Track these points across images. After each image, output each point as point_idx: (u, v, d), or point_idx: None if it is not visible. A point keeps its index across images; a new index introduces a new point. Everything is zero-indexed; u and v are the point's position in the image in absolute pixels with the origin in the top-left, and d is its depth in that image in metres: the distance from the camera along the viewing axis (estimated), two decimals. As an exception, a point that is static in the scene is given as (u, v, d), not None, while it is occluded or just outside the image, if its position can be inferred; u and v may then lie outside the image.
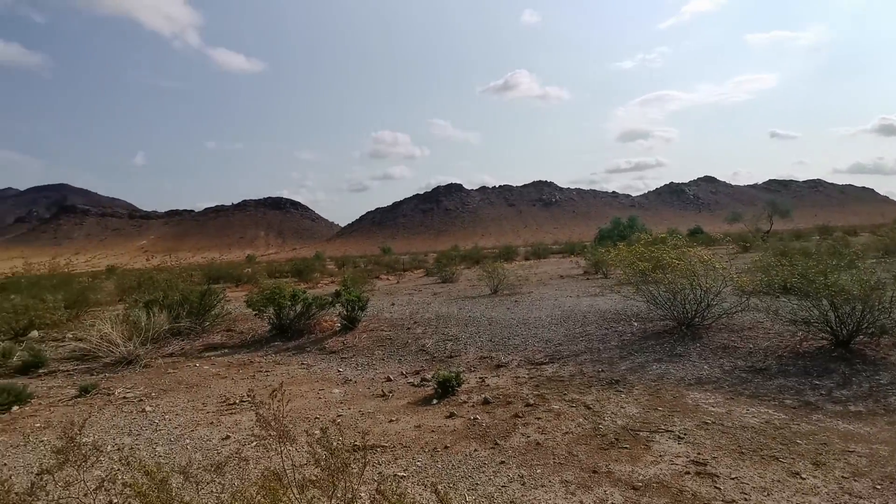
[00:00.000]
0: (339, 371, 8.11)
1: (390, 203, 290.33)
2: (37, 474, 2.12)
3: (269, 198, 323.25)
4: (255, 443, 4.90)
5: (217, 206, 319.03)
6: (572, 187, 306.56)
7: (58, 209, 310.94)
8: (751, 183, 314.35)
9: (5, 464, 4.64)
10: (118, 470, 3.92)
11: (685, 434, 4.73)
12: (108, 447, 4.94)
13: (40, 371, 8.68)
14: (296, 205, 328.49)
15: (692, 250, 8.91)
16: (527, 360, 7.89)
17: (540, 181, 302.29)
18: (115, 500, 2.26)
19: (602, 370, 7.02)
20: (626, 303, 10.50)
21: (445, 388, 6.30)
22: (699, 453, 4.32)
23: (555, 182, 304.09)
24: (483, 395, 6.18)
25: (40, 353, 9.11)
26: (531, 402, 5.86)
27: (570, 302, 12.22)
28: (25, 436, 5.35)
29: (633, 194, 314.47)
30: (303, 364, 8.68)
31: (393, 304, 13.65)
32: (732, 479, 3.87)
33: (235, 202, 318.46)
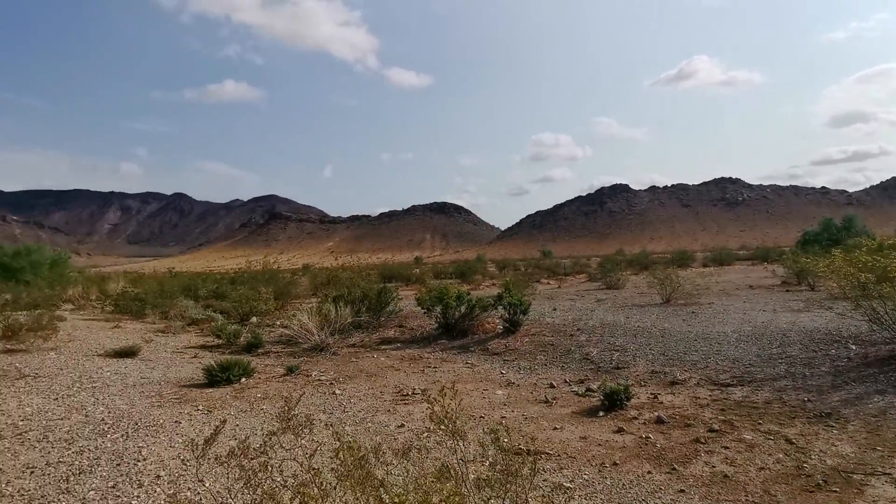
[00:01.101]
0: (501, 373, 8.24)
1: (551, 206, 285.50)
2: (266, 435, 2.55)
3: (435, 203, 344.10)
4: (426, 434, 5.24)
5: (390, 210, 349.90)
6: (765, 184, 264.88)
7: (269, 216, 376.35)
8: None
9: (237, 425, 5.70)
10: (325, 441, 4.54)
11: (927, 489, 3.76)
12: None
13: (259, 350, 10.51)
14: (459, 209, 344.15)
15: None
16: (708, 379, 7.06)
17: (722, 178, 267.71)
18: (318, 467, 2.64)
19: (808, 399, 5.94)
20: (841, 321, 8.74)
21: (613, 401, 5.97)
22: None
23: (742, 179, 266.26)
24: (656, 413, 5.71)
25: (259, 336, 11.03)
26: (716, 427, 5.22)
27: (763, 317, 10.61)
28: (251, 403, 6.51)
29: (850, 190, 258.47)
30: (467, 363, 9.02)
31: (555, 310, 13.41)
32: None
33: (405, 207, 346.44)
